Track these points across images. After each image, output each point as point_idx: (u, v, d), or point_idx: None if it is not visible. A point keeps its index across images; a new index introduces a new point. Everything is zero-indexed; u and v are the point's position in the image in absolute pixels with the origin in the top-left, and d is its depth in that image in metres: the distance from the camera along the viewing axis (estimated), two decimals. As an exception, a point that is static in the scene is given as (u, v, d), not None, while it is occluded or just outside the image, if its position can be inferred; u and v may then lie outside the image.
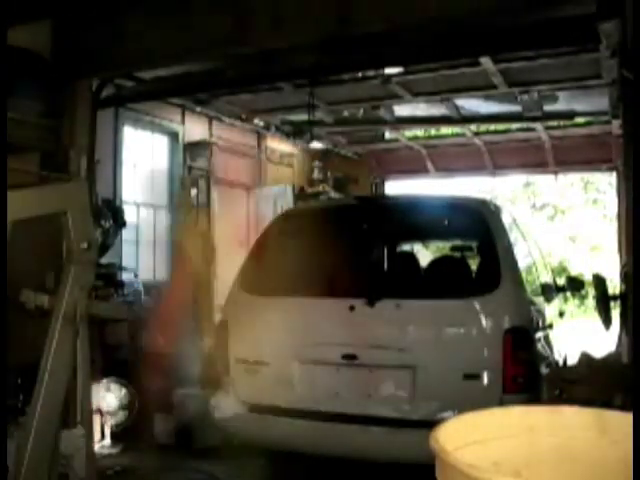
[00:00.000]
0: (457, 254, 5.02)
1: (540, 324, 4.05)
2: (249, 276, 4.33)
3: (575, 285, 5.63)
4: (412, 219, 4.69)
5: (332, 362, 3.80)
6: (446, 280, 4.11)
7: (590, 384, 3.25)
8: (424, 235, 6.16)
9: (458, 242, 5.58)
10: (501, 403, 3.34)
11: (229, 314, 4.25)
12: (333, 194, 10.12)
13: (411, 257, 5.09)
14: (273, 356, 3.97)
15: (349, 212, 4.69)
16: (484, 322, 3.62)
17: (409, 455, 3.36)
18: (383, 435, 3.63)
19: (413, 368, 3.62)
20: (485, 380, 3.52)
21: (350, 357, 3.73)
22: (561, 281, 5.86)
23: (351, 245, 4.66)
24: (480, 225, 4.10)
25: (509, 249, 3.92)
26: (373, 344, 3.72)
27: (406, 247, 6.24)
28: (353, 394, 3.77)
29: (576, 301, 16.61)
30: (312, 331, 3.93)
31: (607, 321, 3.83)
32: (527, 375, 3.57)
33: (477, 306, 3.65)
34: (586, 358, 3.60)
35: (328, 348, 3.82)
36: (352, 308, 3.76)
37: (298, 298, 4.10)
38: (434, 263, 4.81)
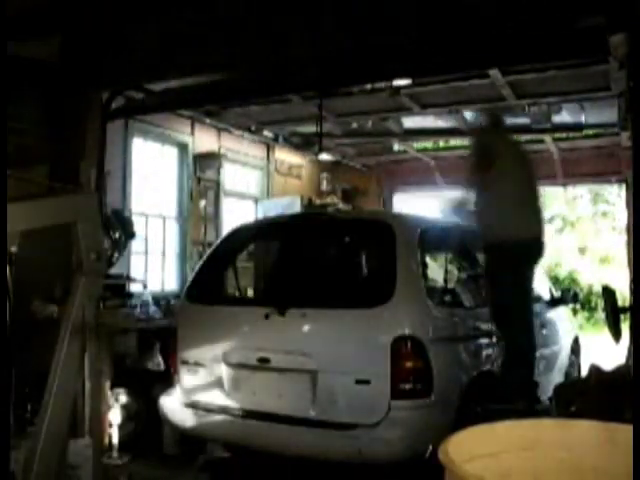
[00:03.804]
0: (361, 267, 5.20)
1: (462, 334, 4.26)
2: (194, 286, 4.85)
3: (566, 296, 6.21)
4: (324, 236, 5.11)
5: (250, 365, 4.20)
6: (347, 291, 4.46)
7: (599, 397, 3.24)
8: (333, 250, 6.24)
9: (362, 256, 5.66)
10: (390, 408, 3.68)
11: (178, 321, 4.82)
12: (341, 205, 10.13)
13: (320, 270, 5.24)
14: (207, 358, 4.41)
15: (279, 229, 5.27)
16: (375, 330, 3.90)
17: (311, 452, 3.83)
18: (289, 432, 3.98)
19: (314, 372, 3.95)
20: (374, 385, 3.76)
21: (264, 360, 4.12)
22: (558, 293, 6.29)
23: (275, 259, 5.64)
24: (382, 240, 4.33)
25: (408, 262, 4.14)
26: (282, 349, 4.12)
27: (320, 261, 6.28)
28: (267, 394, 4.16)
29: (585, 314, 16.55)
30: (236, 336, 4.37)
31: (617, 334, 3.80)
32: (417, 382, 3.77)
33: (370, 315, 3.94)
34: (596, 371, 3.58)
35: (247, 352, 4.23)
36: (267, 316, 4.15)
37: (227, 307, 4.72)
38: (339, 275, 5.00)
